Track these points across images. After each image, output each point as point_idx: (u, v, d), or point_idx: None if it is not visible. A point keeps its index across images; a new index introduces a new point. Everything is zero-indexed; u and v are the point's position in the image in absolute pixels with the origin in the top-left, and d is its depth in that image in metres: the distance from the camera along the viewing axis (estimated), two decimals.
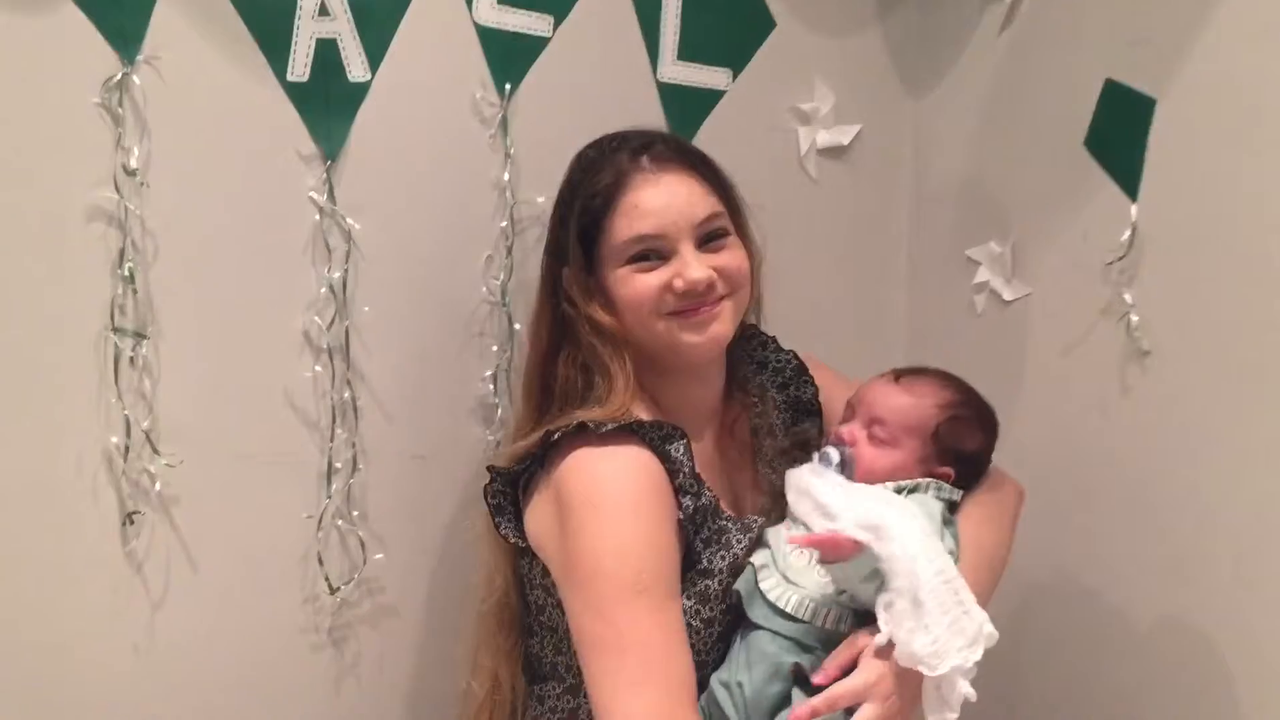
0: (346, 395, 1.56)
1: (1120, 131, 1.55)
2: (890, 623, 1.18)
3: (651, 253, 1.30)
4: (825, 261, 1.90)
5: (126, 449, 1.44)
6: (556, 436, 1.27)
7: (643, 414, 1.32)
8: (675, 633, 1.20)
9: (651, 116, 1.71)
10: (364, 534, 1.59)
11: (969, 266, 1.80)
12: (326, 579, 1.57)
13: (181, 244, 1.46)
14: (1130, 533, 1.57)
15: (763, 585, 1.25)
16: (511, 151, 1.61)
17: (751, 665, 1.23)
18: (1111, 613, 1.61)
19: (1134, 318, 1.54)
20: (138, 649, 1.49)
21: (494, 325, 1.65)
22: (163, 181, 1.43)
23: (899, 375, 1.41)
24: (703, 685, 1.26)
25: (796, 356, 1.53)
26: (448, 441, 1.63)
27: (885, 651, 1.19)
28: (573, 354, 1.36)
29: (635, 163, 1.33)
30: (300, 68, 1.50)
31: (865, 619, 1.24)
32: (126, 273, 1.42)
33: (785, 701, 1.23)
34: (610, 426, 1.25)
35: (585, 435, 1.25)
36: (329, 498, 1.56)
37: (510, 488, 1.34)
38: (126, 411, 1.44)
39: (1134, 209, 1.53)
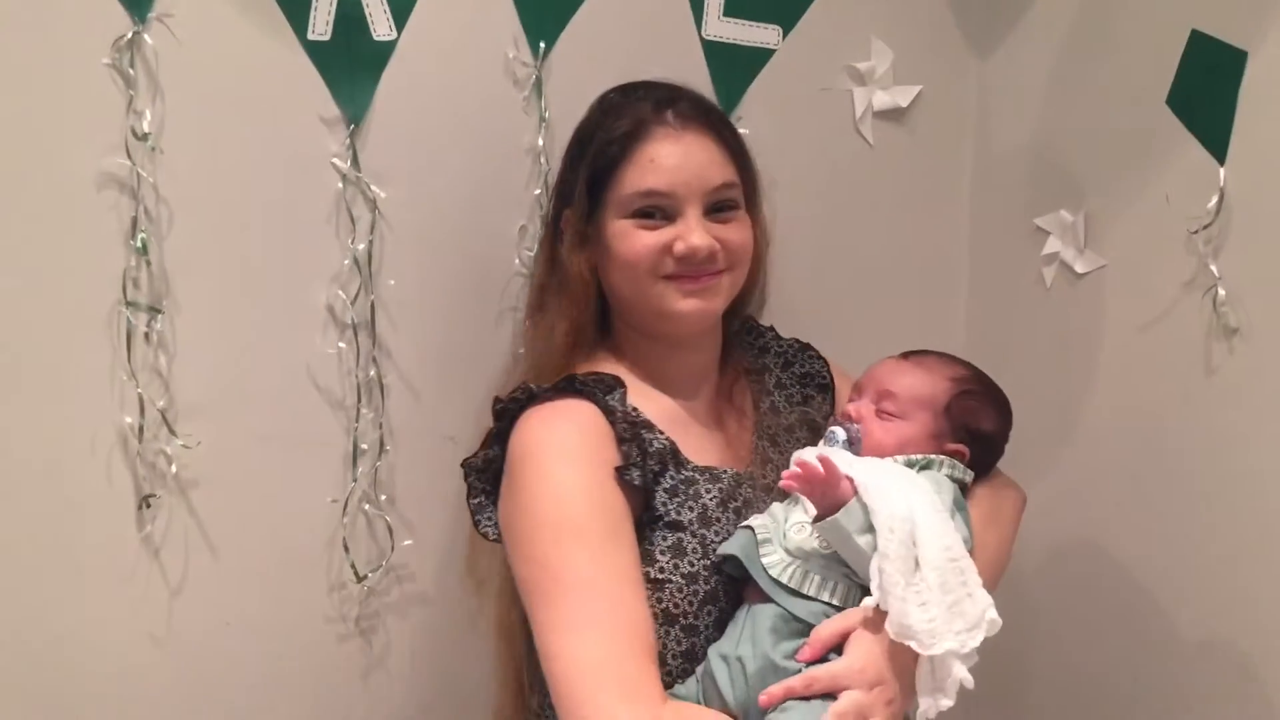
0: (372, 373, 1.52)
1: (1207, 88, 1.46)
2: (880, 590, 1.12)
3: (657, 210, 1.28)
4: (881, 232, 1.82)
5: (141, 429, 1.41)
6: (499, 407, 1.28)
7: (614, 373, 1.31)
8: (622, 577, 1.17)
9: (696, 77, 1.63)
10: (392, 519, 1.55)
11: (1037, 237, 1.71)
12: (353, 566, 1.54)
13: (197, 213, 1.42)
14: (1215, 526, 1.49)
15: (765, 559, 1.20)
16: (546, 115, 1.55)
17: (756, 640, 1.18)
18: (1194, 611, 1.53)
19: (1221, 291, 1.45)
20: (155, 639, 1.46)
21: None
22: (177, 147, 1.40)
23: (907, 355, 1.39)
24: (697, 650, 1.22)
25: (799, 340, 1.52)
26: (480, 421, 1.52)
27: (877, 627, 1.13)
28: None
29: (659, 115, 1.30)
30: (322, 25, 1.45)
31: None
32: (139, 244, 1.38)
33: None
34: (548, 387, 1.26)
35: (532, 400, 1.26)
36: (355, 481, 1.52)
37: (489, 482, 1.30)
38: (141, 390, 1.41)
39: (1222, 172, 1.44)
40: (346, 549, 1.53)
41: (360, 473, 1.52)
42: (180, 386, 1.43)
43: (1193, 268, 1.48)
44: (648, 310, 1.31)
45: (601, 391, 1.26)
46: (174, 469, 1.43)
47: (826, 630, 1.16)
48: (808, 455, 1.24)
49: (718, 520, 1.26)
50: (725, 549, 1.23)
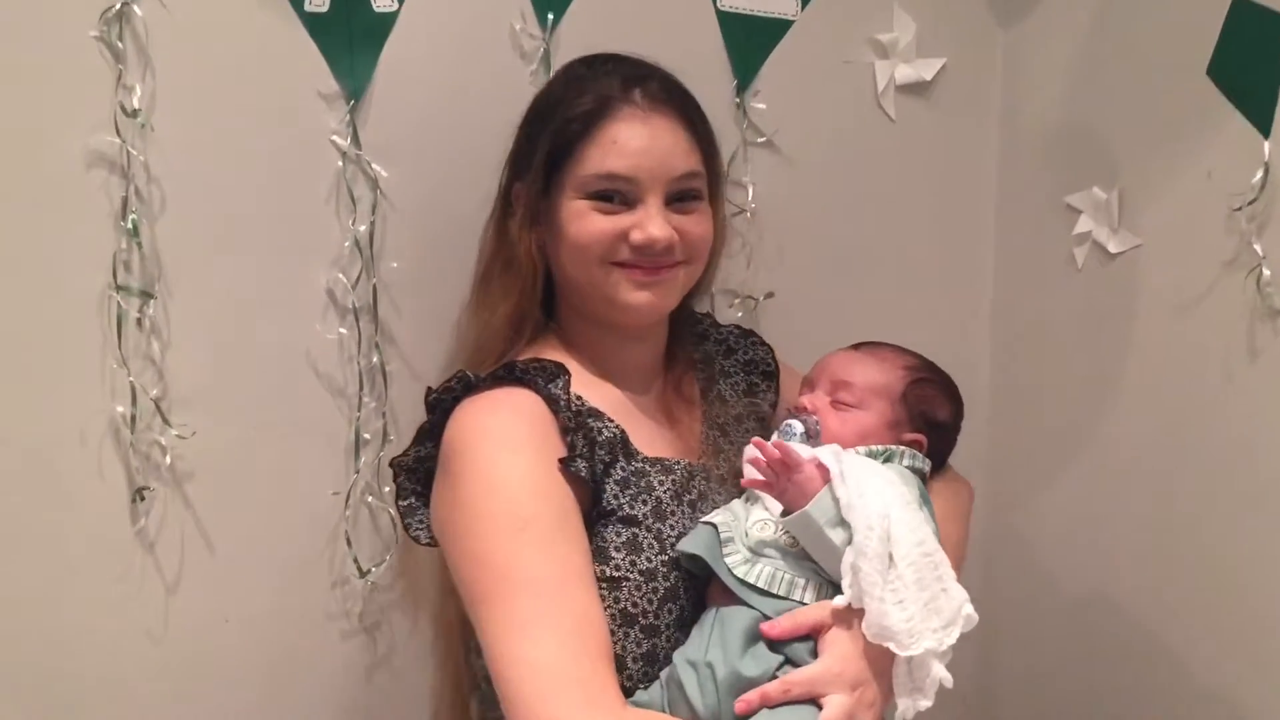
0: (375, 360, 1.48)
1: (1251, 56, 1.39)
2: (856, 589, 1.09)
3: (616, 194, 1.22)
4: (903, 212, 1.77)
5: (134, 419, 1.38)
6: (432, 398, 1.22)
7: (570, 364, 1.25)
8: (572, 574, 1.11)
9: (711, 49, 1.61)
10: (396, 512, 1.46)
11: (1068, 215, 1.65)
12: (356, 561, 1.50)
13: (190, 193, 1.38)
14: (1258, 521, 1.43)
15: (729, 559, 1.15)
16: None
17: (726, 645, 1.12)
18: (1230, 608, 1.48)
19: (1265, 272, 1.39)
20: (150, 637, 1.43)
21: None
22: (168, 124, 1.36)
23: (858, 345, 1.37)
24: (659, 652, 1.17)
25: (739, 326, 1.48)
26: None
27: (851, 626, 1.10)
28: None
29: (626, 94, 1.24)
30: None
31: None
32: (130, 225, 1.35)
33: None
34: (486, 375, 1.21)
35: (469, 390, 1.21)
36: (357, 472, 1.49)
37: (420, 483, 1.24)
38: (133, 378, 1.37)
39: (1267, 146, 1.38)
40: (349, 543, 1.49)
41: (363, 463, 1.48)
42: (174, 374, 1.39)
43: (1234, 247, 1.42)
44: (596, 297, 1.26)
45: (544, 380, 1.20)
46: (168, 460, 1.39)
47: (803, 616, 1.12)
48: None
49: (673, 514, 1.21)
50: (686, 547, 1.18)
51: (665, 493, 1.22)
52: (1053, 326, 1.69)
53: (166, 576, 1.42)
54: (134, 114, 1.32)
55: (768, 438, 1.26)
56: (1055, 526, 1.72)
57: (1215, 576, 1.48)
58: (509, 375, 1.21)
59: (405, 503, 1.24)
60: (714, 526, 1.18)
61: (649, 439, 1.27)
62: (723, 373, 1.42)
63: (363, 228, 1.44)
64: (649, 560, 1.17)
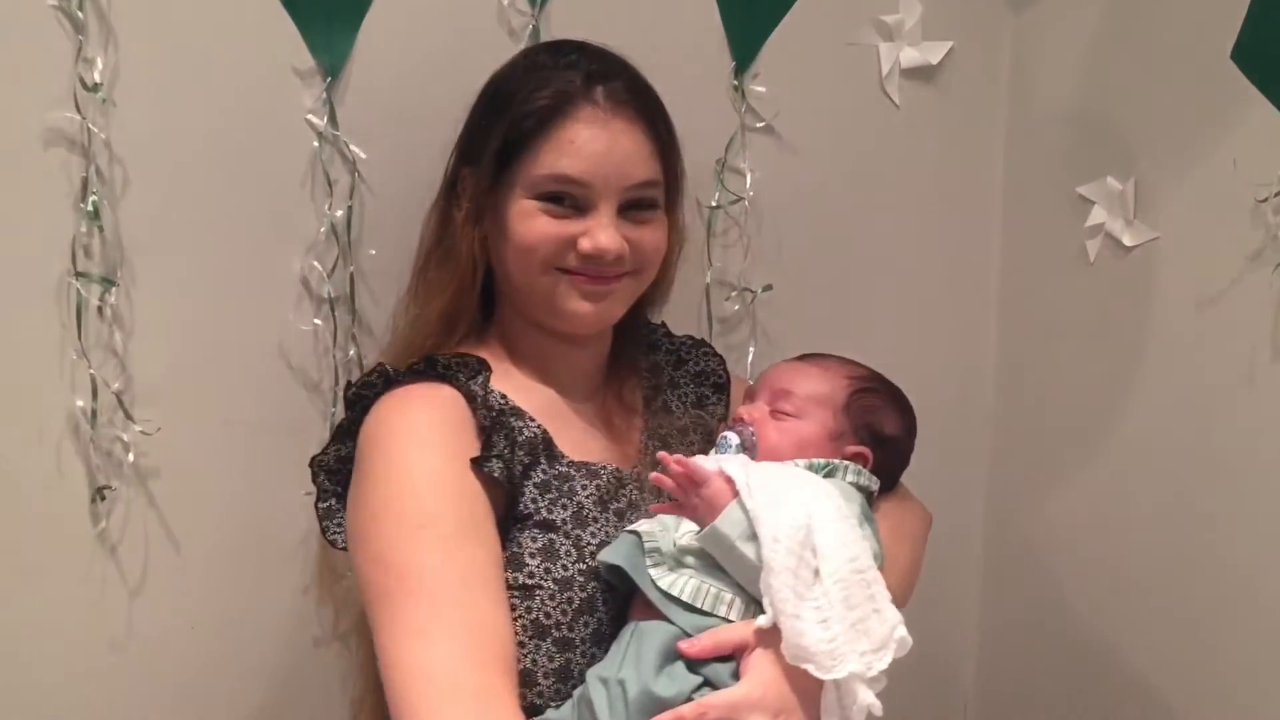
0: (352, 352, 1.43)
1: (1278, 39, 1.35)
2: (771, 607, 1.04)
3: (568, 198, 1.18)
4: (907, 201, 1.72)
5: (95, 414, 1.33)
6: (352, 393, 1.20)
7: (498, 360, 1.24)
8: (474, 578, 1.07)
9: (709, 29, 1.56)
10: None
11: (1080, 206, 1.61)
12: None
13: (156, 174, 1.33)
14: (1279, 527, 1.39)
15: (653, 570, 1.10)
16: None
17: (641, 660, 1.06)
18: (1254, 613, 1.44)
19: None
20: (113, 643, 1.38)
21: None
22: (132, 100, 1.30)
23: (804, 356, 1.33)
24: (573, 668, 1.12)
25: (692, 337, 1.44)
26: None
27: (776, 647, 1.04)
28: None
29: (588, 92, 1.19)
30: None
31: None
32: (91, 207, 1.29)
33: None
34: (405, 370, 1.19)
35: (390, 386, 1.18)
36: None
37: (342, 483, 1.20)
38: (93, 371, 1.32)
39: None
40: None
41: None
42: (138, 367, 1.34)
43: (1259, 239, 1.38)
44: (538, 302, 1.22)
45: (465, 375, 1.17)
46: (131, 458, 1.34)
47: (725, 634, 1.07)
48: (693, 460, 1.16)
49: (595, 520, 1.17)
50: (607, 556, 1.12)
51: (588, 498, 1.17)
52: (1063, 323, 1.66)
53: (129, 580, 1.37)
54: (95, 89, 1.26)
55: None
56: (1064, 530, 1.68)
57: (1234, 583, 1.44)
58: (430, 370, 1.18)
59: (325, 505, 1.20)
60: (638, 535, 1.13)
61: (580, 444, 1.23)
62: (671, 384, 1.38)
63: (339, 213, 1.39)
64: (565, 569, 1.13)
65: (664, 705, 1.03)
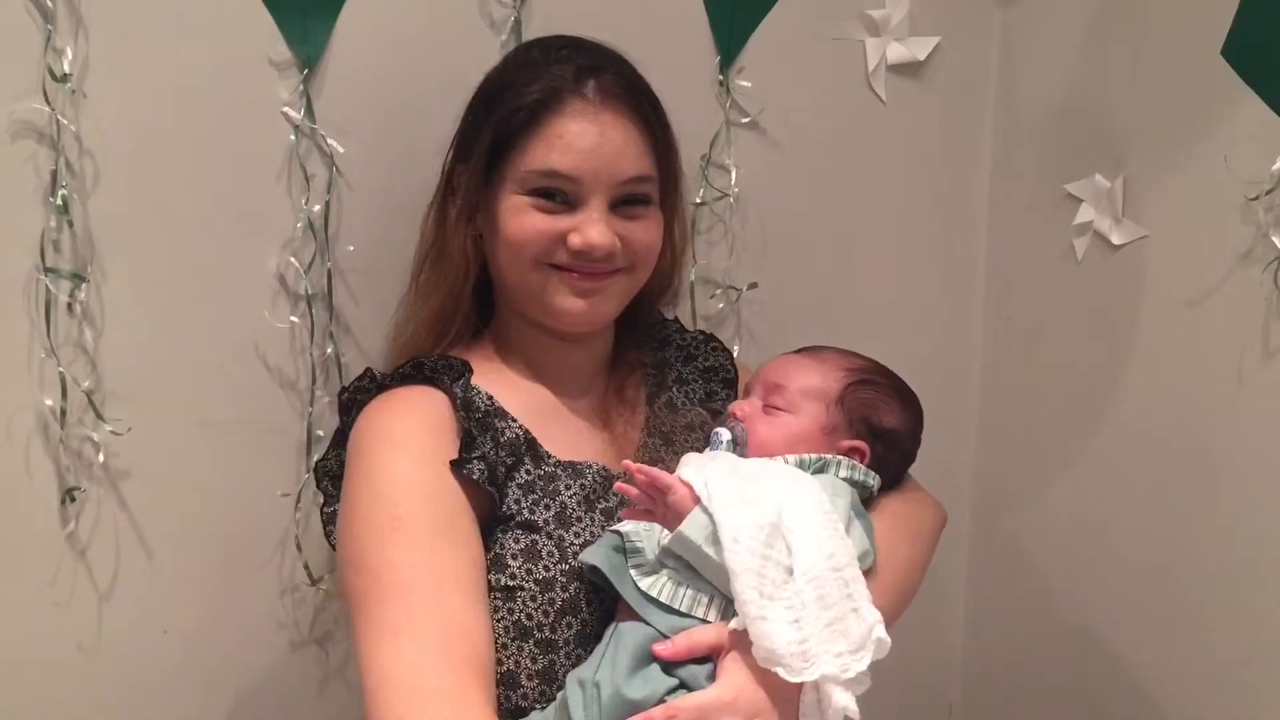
0: (329, 350, 1.42)
1: (1269, 36, 1.33)
2: (740, 610, 1.02)
3: (558, 193, 1.18)
4: (893, 197, 1.71)
5: (64, 413, 1.31)
6: (345, 398, 1.21)
7: (490, 360, 1.25)
8: (449, 580, 1.06)
9: (694, 23, 1.54)
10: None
11: (1068, 204, 1.59)
12: (307, 567, 1.43)
13: (127, 167, 1.31)
14: (1268, 529, 1.38)
15: (634, 571, 1.09)
16: None
17: (616, 662, 1.05)
18: (1241, 618, 1.42)
19: None
20: (82, 648, 1.36)
21: None
22: (103, 91, 1.28)
23: (802, 349, 1.31)
24: (557, 670, 1.11)
25: (704, 332, 1.43)
26: None
27: (749, 648, 1.02)
28: None
29: (579, 86, 1.18)
30: None
31: None
32: (60, 201, 1.27)
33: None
34: (392, 373, 1.20)
35: (381, 390, 1.19)
36: (309, 472, 1.41)
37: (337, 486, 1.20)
38: (63, 369, 1.30)
39: None
40: (299, 548, 1.42)
41: (315, 462, 1.37)
42: (108, 365, 1.32)
43: (1250, 238, 1.36)
44: (529, 299, 1.21)
45: (450, 378, 1.17)
46: (102, 458, 1.32)
47: (699, 636, 1.05)
48: (691, 463, 1.15)
49: (579, 520, 1.16)
50: (586, 557, 1.11)
51: (572, 498, 1.16)
52: (1050, 322, 1.64)
53: (99, 584, 1.35)
54: (64, 79, 1.24)
55: None
56: (1050, 532, 1.67)
57: (1222, 581, 1.43)
58: (417, 373, 1.19)
59: (330, 510, 1.21)
60: (620, 536, 1.11)
61: (570, 443, 1.22)
62: (679, 380, 1.36)
63: (316, 208, 1.37)
64: (547, 569, 1.11)
65: (636, 707, 1.01)
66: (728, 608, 1.06)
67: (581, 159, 1.15)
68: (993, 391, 1.75)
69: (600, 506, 1.16)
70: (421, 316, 1.26)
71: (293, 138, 1.35)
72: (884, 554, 1.15)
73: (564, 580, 1.11)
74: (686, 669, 1.04)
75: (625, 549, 1.09)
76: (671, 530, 1.07)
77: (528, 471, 1.16)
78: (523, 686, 1.09)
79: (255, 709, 1.43)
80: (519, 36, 1.42)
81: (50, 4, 1.23)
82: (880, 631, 1.03)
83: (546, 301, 1.19)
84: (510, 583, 1.10)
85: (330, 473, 1.21)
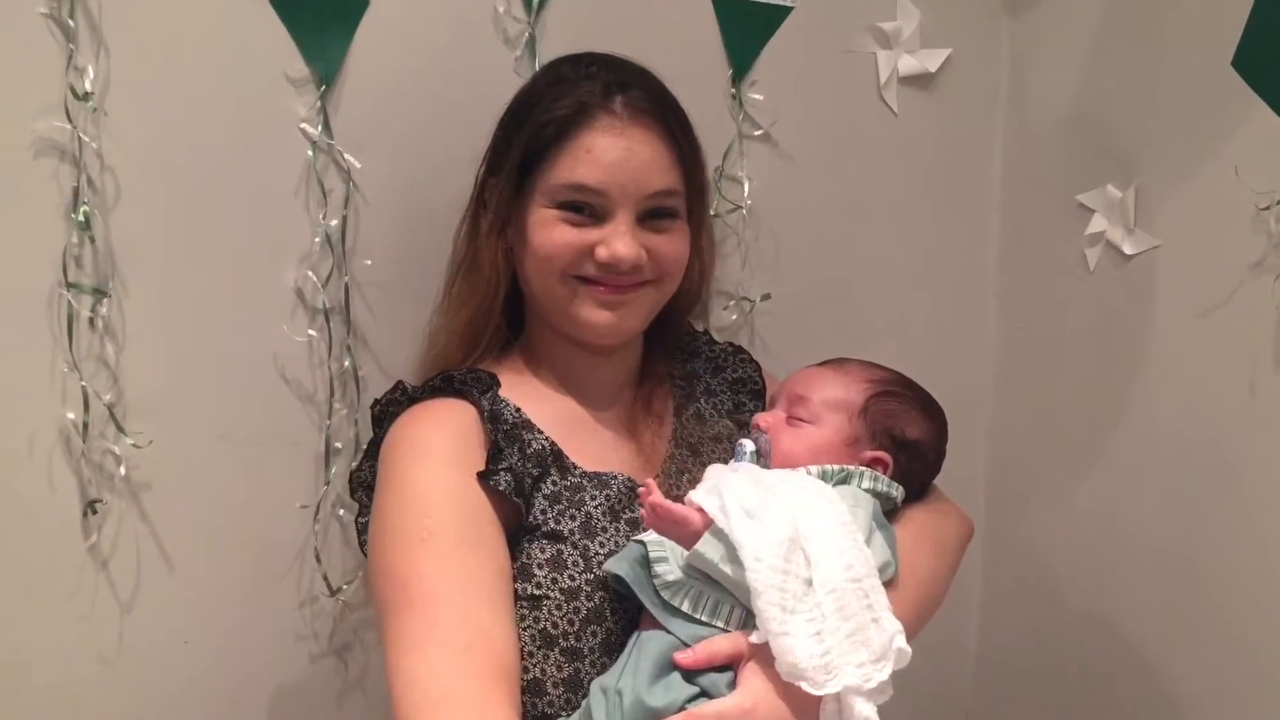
0: (346, 364, 1.42)
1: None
2: (762, 627, 1.02)
3: (586, 206, 1.18)
4: (905, 208, 1.71)
5: (86, 427, 1.30)
6: (377, 410, 1.23)
7: (519, 373, 1.26)
8: (474, 589, 1.07)
9: (706, 37, 1.55)
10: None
11: (1080, 215, 1.60)
12: (325, 578, 1.43)
13: (147, 183, 1.31)
14: None
15: (658, 580, 1.08)
16: None
17: (638, 670, 1.05)
18: (1253, 627, 1.42)
19: None
20: (104, 660, 1.35)
21: None
22: (124, 108, 1.28)
23: (827, 362, 1.31)
24: (582, 678, 1.11)
25: (733, 344, 1.43)
26: None
27: (771, 659, 1.02)
28: None
29: (606, 101, 1.19)
30: None
31: None
32: (82, 217, 1.27)
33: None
34: (423, 386, 1.22)
35: (412, 403, 1.21)
36: (328, 483, 1.42)
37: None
38: (85, 383, 1.30)
39: None
40: (318, 559, 1.42)
41: (334, 474, 1.41)
42: (129, 379, 1.32)
43: (1261, 248, 1.36)
44: (558, 311, 1.22)
45: (478, 391, 1.19)
46: (123, 471, 1.32)
47: (719, 645, 1.05)
48: (714, 474, 1.16)
49: (604, 530, 1.16)
50: (610, 566, 1.11)
51: (597, 508, 1.17)
52: (1063, 332, 1.64)
53: (121, 596, 1.34)
54: (86, 97, 1.24)
55: None
56: (1062, 542, 1.67)
57: (1236, 590, 1.43)
58: (447, 386, 1.20)
59: (364, 519, 1.22)
60: (644, 545, 1.11)
61: (597, 454, 1.22)
62: (707, 391, 1.37)
63: (334, 222, 1.38)
64: (572, 579, 1.12)
65: (657, 715, 1.01)
66: (748, 616, 1.06)
67: (608, 173, 1.16)
68: (1006, 400, 1.76)
69: (625, 517, 1.17)
70: (454, 327, 1.27)
71: (310, 153, 1.36)
72: (906, 565, 1.15)
73: (589, 589, 1.11)
74: (707, 677, 1.04)
75: (648, 559, 1.09)
76: (688, 549, 1.08)
77: (554, 482, 1.16)
78: (548, 694, 1.10)
79: (274, 718, 1.43)
80: (533, 51, 1.42)
81: (72, 23, 1.23)
82: (901, 641, 1.03)
83: (574, 314, 1.20)
84: (536, 592, 1.10)
85: (364, 483, 1.22)
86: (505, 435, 1.15)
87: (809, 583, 1.03)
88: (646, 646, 1.06)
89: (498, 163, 1.24)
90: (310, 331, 1.39)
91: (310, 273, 1.38)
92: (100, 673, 1.34)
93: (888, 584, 1.08)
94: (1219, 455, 1.43)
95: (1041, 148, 1.68)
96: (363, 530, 1.20)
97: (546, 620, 1.10)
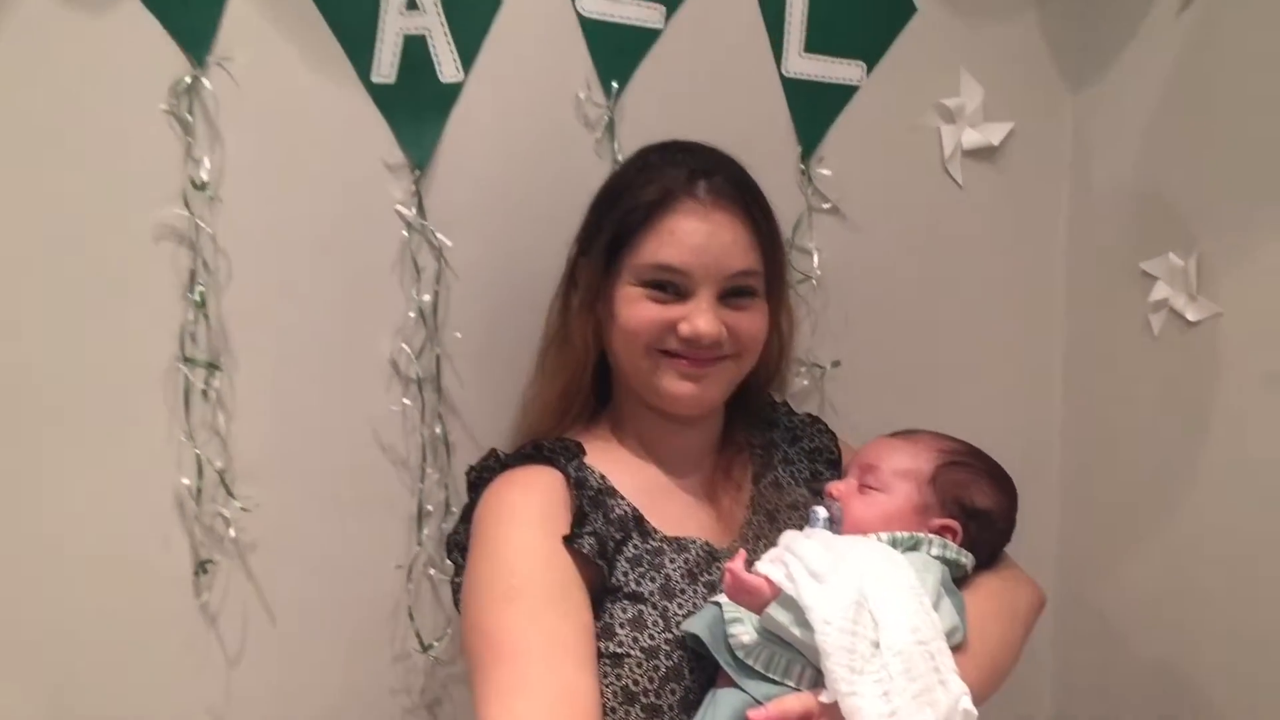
0: (438, 430, 1.46)
1: None
2: (830, 686, 1.04)
3: (670, 285, 1.24)
4: (971, 278, 1.73)
5: (199, 491, 1.37)
6: (473, 477, 1.29)
7: (605, 440, 1.31)
8: (559, 646, 1.11)
9: (776, 116, 1.59)
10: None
11: (1143, 282, 1.60)
12: (418, 635, 1.48)
13: (257, 264, 1.38)
14: None
15: (733, 640, 1.11)
16: (619, 157, 1.48)
17: None
18: None
19: None
20: (212, 711, 1.41)
21: None
22: (236, 196, 1.36)
23: (898, 432, 1.34)
24: None
25: (811, 415, 1.48)
26: None
27: (838, 716, 1.04)
28: None
29: (690, 187, 1.25)
30: (386, 67, 1.41)
31: None
32: (198, 297, 1.35)
33: None
34: (513, 454, 1.27)
35: (504, 469, 1.26)
36: (420, 545, 1.47)
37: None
38: (198, 450, 1.37)
39: None
40: (411, 617, 1.47)
41: (425, 535, 1.46)
42: (239, 446, 1.39)
43: None
44: (642, 383, 1.27)
45: (566, 458, 1.24)
46: (232, 533, 1.39)
47: (790, 704, 1.06)
48: (789, 539, 1.18)
49: (683, 593, 1.19)
50: (689, 626, 1.15)
51: (676, 571, 1.20)
52: (1129, 397, 1.63)
53: (229, 650, 1.40)
54: (202, 187, 1.32)
55: None
56: (1134, 608, 1.65)
57: None
58: (536, 454, 1.25)
59: (459, 579, 1.25)
60: (720, 606, 1.14)
61: (677, 519, 1.26)
62: (785, 460, 1.40)
63: (426, 297, 1.43)
64: (652, 638, 1.16)
65: None
66: (819, 676, 1.08)
67: (691, 254, 1.22)
68: (1073, 465, 1.75)
69: (703, 579, 1.20)
70: (547, 396, 1.33)
71: (405, 233, 1.42)
72: (975, 631, 1.16)
73: (668, 648, 1.15)
74: None
75: (724, 619, 1.12)
76: (759, 614, 1.11)
77: (635, 546, 1.20)
78: None
79: None
80: (612, 135, 1.48)
81: (190, 118, 1.31)
82: (967, 703, 1.05)
83: (657, 385, 1.25)
84: (618, 650, 1.14)
85: (459, 545, 1.26)
86: (590, 500, 1.20)
87: (876, 644, 1.05)
88: (721, 704, 1.10)
89: (588, 244, 1.30)
90: (404, 400, 1.44)
91: (404, 345, 1.43)
92: None
93: (956, 649, 1.10)
94: None
95: (1105, 216, 1.68)
96: (457, 590, 1.24)
97: (628, 677, 1.14)
